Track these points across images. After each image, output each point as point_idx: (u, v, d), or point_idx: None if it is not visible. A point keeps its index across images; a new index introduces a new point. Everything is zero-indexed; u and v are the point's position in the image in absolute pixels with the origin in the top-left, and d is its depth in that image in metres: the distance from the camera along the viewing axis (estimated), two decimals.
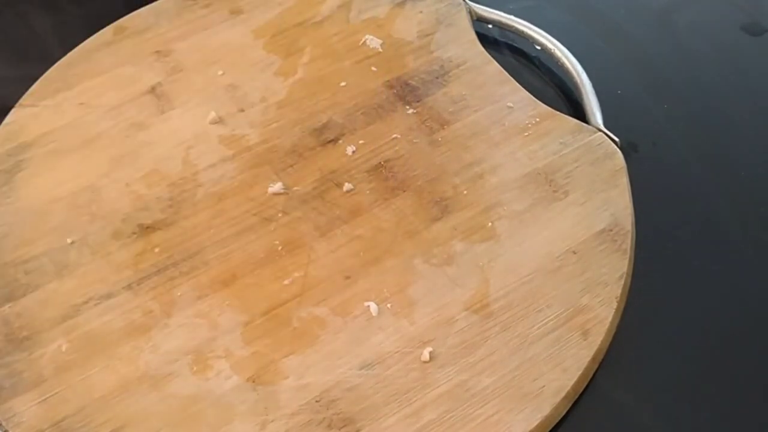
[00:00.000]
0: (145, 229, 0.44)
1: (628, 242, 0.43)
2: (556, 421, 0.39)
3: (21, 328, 0.41)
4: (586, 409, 0.39)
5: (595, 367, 0.40)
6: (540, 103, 0.50)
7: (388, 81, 0.51)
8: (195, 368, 0.39)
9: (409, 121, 0.49)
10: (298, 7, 0.55)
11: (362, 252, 0.43)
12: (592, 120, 0.48)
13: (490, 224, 0.44)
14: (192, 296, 0.42)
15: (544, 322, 0.40)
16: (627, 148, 0.47)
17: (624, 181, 0.46)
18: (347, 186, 0.46)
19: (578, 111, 0.50)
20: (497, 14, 0.55)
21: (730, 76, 0.53)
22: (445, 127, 0.49)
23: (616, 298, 0.41)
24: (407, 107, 0.50)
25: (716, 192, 0.47)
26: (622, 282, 0.42)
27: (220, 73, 0.50)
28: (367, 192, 0.46)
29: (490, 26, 0.56)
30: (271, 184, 0.46)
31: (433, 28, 0.54)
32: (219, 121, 0.49)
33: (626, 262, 0.43)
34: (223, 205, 0.45)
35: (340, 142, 0.48)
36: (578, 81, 0.50)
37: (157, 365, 0.40)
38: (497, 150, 0.47)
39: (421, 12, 0.55)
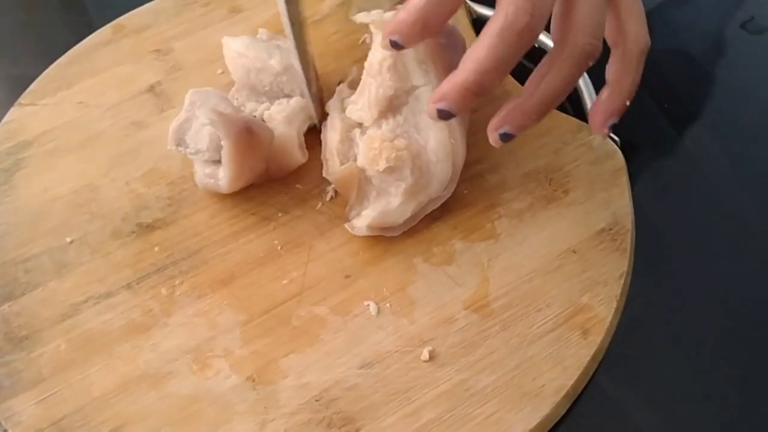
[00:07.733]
0: (145, 228, 0.44)
1: (627, 241, 0.43)
2: (556, 420, 0.39)
3: (20, 327, 0.41)
4: (586, 408, 0.39)
5: (595, 366, 0.40)
6: None
7: None
8: (194, 367, 0.39)
9: None
10: None
11: (362, 251, 0.43)
12: None
13: (490, 223, 0.44)
14: (191, 295, 0.42)
15: (544, 321, 0.40)
16: (627, 148, 0.47)
17: (624, 180, 0.46)
18: None
19: (578, 110, 0.50)
20: None
21: (730, 76, 0.53)
22: None
23: (616, 297, 0.41)
24: None
25: (716, 191, 0.47)
26: (622, 281, 0.42)
27: (220, 71, 0.50)
28: None
29: None
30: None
31: None
32: None
33: (626, 261, 0.43)
34: (223, 204, 0.45)
35: None
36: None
37: (156, 364, 0.40)
38: (497, 149, 0.47)
39: None
